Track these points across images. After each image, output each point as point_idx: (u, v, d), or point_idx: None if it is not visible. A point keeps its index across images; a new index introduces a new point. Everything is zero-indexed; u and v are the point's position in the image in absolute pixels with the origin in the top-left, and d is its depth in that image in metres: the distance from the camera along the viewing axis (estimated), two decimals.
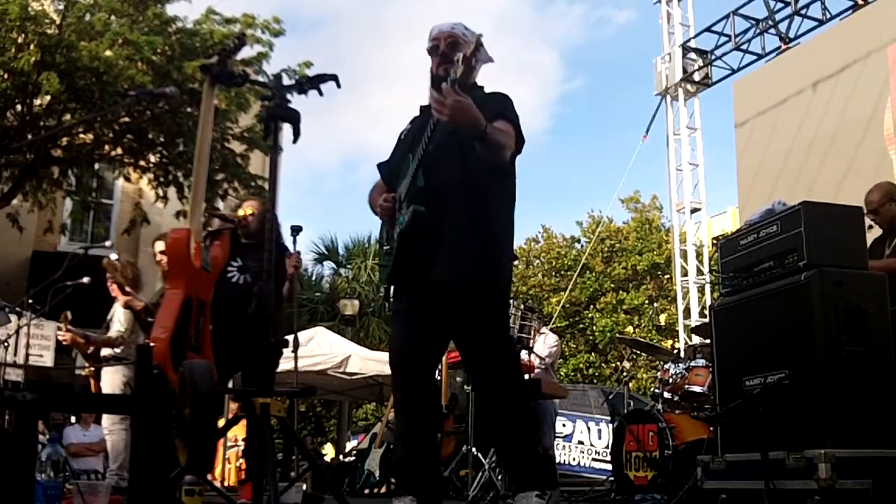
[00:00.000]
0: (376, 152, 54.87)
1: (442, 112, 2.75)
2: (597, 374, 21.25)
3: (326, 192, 51.31)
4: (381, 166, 3.37)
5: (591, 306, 22.01)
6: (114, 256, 5.26)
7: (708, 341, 4.46)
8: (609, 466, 6.58)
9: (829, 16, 10.36)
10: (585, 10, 53.14)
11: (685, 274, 12.64)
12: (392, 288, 3.21)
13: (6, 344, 6.56)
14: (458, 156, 3.00)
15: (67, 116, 10.49)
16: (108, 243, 10.52)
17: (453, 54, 3.00)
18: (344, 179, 58.34)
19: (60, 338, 5.34)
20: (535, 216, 60.82)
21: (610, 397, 6.89)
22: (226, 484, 9.54)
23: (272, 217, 2.67)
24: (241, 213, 4.58)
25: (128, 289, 5.08)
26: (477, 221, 2.99)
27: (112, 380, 5.12)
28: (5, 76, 9.46)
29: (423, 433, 3.08)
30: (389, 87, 57.59)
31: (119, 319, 5.17)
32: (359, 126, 57.31)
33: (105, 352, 5.25)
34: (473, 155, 2.93)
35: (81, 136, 11.28)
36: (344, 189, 56.97)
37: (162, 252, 4.97)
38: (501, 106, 3.07)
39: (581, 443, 10.68)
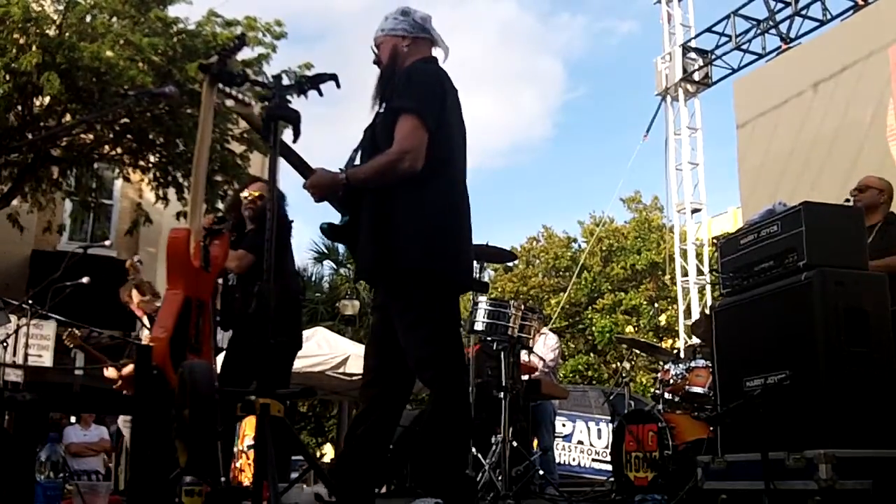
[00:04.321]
0: None
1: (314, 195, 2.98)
2: (596, 375, 21.23)
3: None
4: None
5: (590, 307, 22.00)
6: (136, 258, 5.26)
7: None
8: (609, 466, 6.57)
9: (829, 16, 10.36)
10: (588, 21, 53.24)
11: (685, 274, 12.64)
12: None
13: (5, 344, 6.56)
14: (367, 159, 3.07)
15: (67, 116, 10.49)
16: (107, 243, 10.53)
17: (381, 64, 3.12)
18: None
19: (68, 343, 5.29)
20: (537, 217, 60.95)
21: (610, 397, 6.89)
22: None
23: (272, 217, 2.67)
24: (246, 194, 4.57)
25: (146, 294, 5.08)
26: (381, 217, 2.97)
27: None
28: (7, 77, 9.46)
29: (369, 450, 3.00)
30: None
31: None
32: (362, 130, 57.28)
33: None
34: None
35: (81, 136, 11.28)
36: None
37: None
38: (400, 98, 3.00)
39: (581, 443, 10.68)
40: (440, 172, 2.99)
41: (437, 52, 3.20)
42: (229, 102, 3.02)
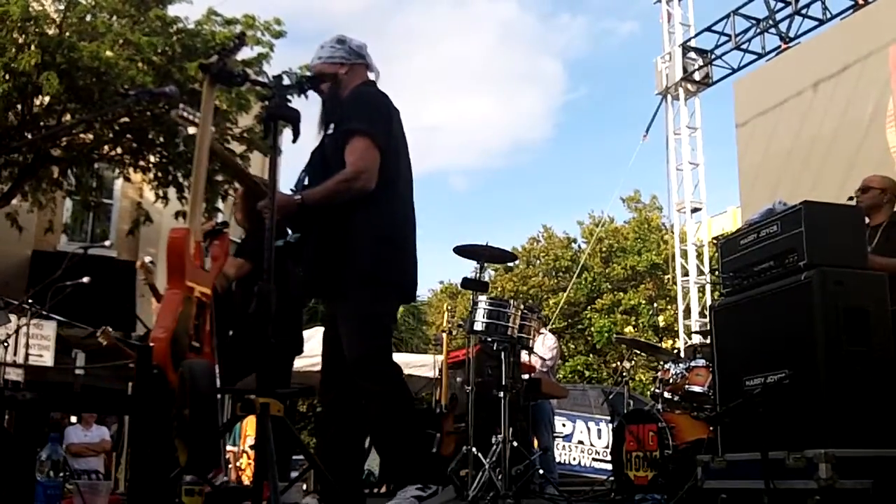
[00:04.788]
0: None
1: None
2: (595, 375, 21.23)
3: None
4: None
5: (590, 307, 22.00)
6: (147, 259, 5.24)
7: (709, 341, 4.46)
8: (609, 466, 6.58)
9: (829, 15, 10.36)
10: (589, 22, 53.24)
11: (685, 274, 12.64)
12: None
13: (6, 344, 6.56)
14: (317, 179, 3.16)
15: (67, 116, 10.49)
16: (107, 243, 10.54)
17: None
18: None
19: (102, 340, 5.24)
20: (537, 217, 60.98)
21: (610, 397, 6.89)
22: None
23: (272, 217, 2.67)
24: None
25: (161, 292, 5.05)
26: (333, 233, 3.11)
27: None
28: (6, 77, 9.46)
29: (339, 452, 3.15)
30: (393, 97, 57.47)
31: None
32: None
33: None
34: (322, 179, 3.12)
35: (81, 135, 11.28)
36: None
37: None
38: (350, 122, 3.13)
39: (581, 443, 10.68)
40: (389, 189, 3.15)
41: (371, 76, 3.37)
42: (192, 130, 3.09)
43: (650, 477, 4.89)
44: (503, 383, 5.08)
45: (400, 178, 3.25)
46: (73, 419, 9.53)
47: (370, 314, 3.09)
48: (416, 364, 11.37)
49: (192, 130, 3.08)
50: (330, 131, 3.23)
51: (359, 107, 3.17)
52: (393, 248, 3.15)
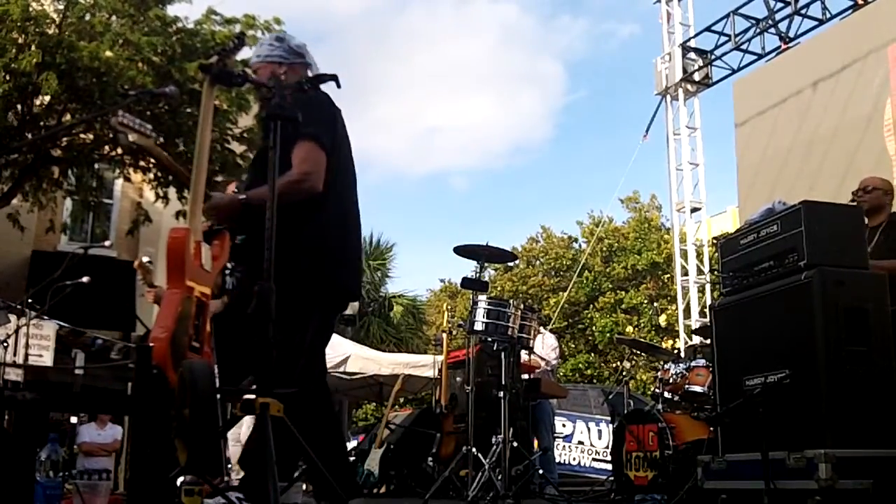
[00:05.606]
0: (381, 159, 55.13)
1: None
2: (596, 374, 21.24)
3: None
4: None
5: (591, 306, 22.00)
6: (146, 259, 5.22)
7: (709, 341, 4.46)
8: (609, 466, 6.58)
9: (829, 15, 10.37)
10: (590, 24, 53.34)
11: (685, 274, 12.64)
12: None
13: (6, 344, 6.56)
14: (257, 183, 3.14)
15: (67, 116, 10.49)
16: (107, 243, 10.54)
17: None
18: None
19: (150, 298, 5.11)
20: (538, 217, 60.98)
21: (610, 397, 6.89)
22: None
23: (272, 216, 2.66)
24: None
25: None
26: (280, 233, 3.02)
27: None
28: (6, 77, 9.46)
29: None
30: (394, 98, 57.83)
31: None
32: (365, 134, 57.58)
33: None
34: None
35: (81, 136, 11.27)
36: None
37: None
38: (304, 124, 3.04)
39: (581, 443, 10.68)
40: (333, 189, 3.15)
41: (311, 75, 3.33)
42: (132, 137, 3.07)
43: (650, 477, 4.89)
44: (503, 383, 5.08)
45: (344, 178, 3.25)
46: (82, 416, 9.55)
47: (305, 317, 3.09)
48: (416, 364, 11.38)
49: (132, 138, 3.05)
50: None
51: (303, 109, 3.09)
52: (333, 247, 3.16)
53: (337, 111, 3.28)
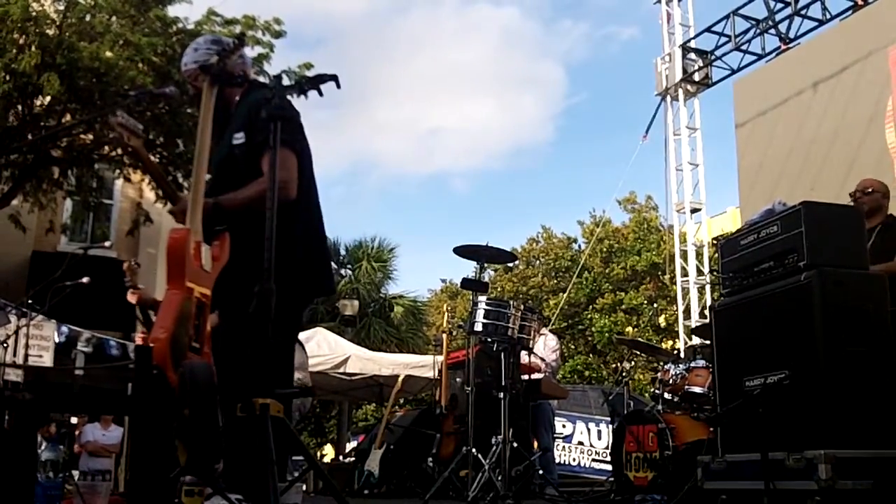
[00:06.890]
0: (383, 161, 55.18)
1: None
2: (595, 375, 21.23)
3: (333, 197, 51.95)
4: None
5: (591, 307, 22.00)
6: (134, 261, 5.21)
7: (708, 342, 4.46)
8: (609, 467, 6.58)
9: (829, 16, 10.37)
10: (590, 28, 53.39)
11: (685, 274, 12.65)
12: None
13: (5, 344, 6.56)
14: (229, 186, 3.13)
15: (67, 117, 10.50)
16: (107, 243, 10.52)
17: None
18: (351, 187, 58.64)
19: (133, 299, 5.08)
20: (538, 218, 60.98)
21: (610, 398, 6.89)
22: None
23: (272, 216, 2.66)
24: None
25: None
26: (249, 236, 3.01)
27: None
28: (7, 77, 9.47)
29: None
30: (396, 100, 57.92)
31: None
32: (366, 137, 57.70)
33: None
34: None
35: (81, 136, 11.28)
36: (352, 196, 57.27)
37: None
38: (264, 129, 2.98)
39: (581, 443, 10.68)
40: (300, 192, 3.12)
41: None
42: (128, 137, 3.07)
43: (650, 478, 4.89)
44: (503, 384, 5.08)
45: (308, 179, 3.22)
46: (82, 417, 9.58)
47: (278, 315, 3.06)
48: (417, 364, 11.38)
49: (128, 139, 3.05)
50: (240, 139, 3.14)
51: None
52: (299, 247, 3.13)
53: (296, 112, 3.19)
